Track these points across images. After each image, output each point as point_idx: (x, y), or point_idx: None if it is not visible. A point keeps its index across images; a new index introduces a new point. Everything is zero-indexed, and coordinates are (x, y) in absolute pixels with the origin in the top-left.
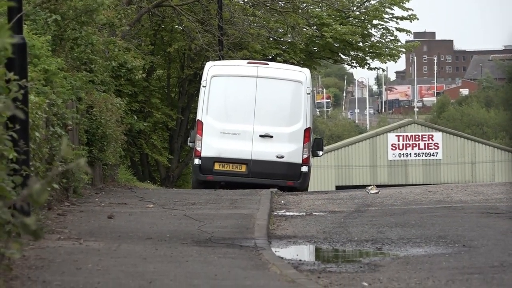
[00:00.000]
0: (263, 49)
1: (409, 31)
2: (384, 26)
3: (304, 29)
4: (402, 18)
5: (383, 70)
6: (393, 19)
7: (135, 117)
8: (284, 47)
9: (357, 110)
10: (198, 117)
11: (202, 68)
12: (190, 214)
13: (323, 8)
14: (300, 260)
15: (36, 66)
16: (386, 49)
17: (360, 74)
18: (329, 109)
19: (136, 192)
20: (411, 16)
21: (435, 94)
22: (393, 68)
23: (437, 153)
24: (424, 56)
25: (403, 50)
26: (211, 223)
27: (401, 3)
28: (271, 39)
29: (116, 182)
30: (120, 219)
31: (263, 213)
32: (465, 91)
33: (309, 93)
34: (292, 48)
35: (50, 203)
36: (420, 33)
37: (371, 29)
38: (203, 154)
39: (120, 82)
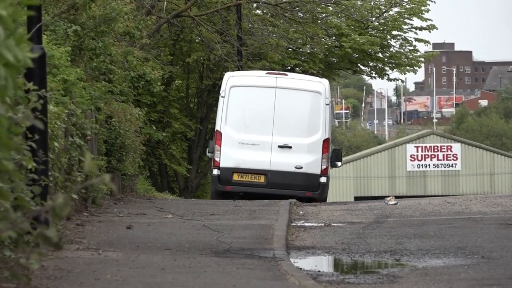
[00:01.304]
0: (282, 60)
1: (428, 42)
2: (403, 37)
3: (323, 40)
4: (421, 28)
5: (402, 81)
6: (412, 29)
7: (154, 127)
8: (303, 58)
9: (376, 121)
10: (217, 127)
11: (221, 78)
12: (209, 224)
13: (342, 18)
14: (319, 271)
15: (55, 76)
16: (405, 59)
17: (379, 85)
18: (348, 120)
19: (154, 203)
20: (430, 26)
21: (454, 105)
22: (412, 79)
23: (456, 164)
24: (443, 67)
25: (422, 59)
26: (230, 234)
27: (420, 14)
28: (290, 49)
29: (135, 192)
30: (139, 229)
31: (282, 224)
32: (484, 102)
33: (328, 104)
34: (311, 59)
35: (69, 213)
36: (439, 44)
37: (390, 40)
38: (221, 165)
39: (138, 92)
